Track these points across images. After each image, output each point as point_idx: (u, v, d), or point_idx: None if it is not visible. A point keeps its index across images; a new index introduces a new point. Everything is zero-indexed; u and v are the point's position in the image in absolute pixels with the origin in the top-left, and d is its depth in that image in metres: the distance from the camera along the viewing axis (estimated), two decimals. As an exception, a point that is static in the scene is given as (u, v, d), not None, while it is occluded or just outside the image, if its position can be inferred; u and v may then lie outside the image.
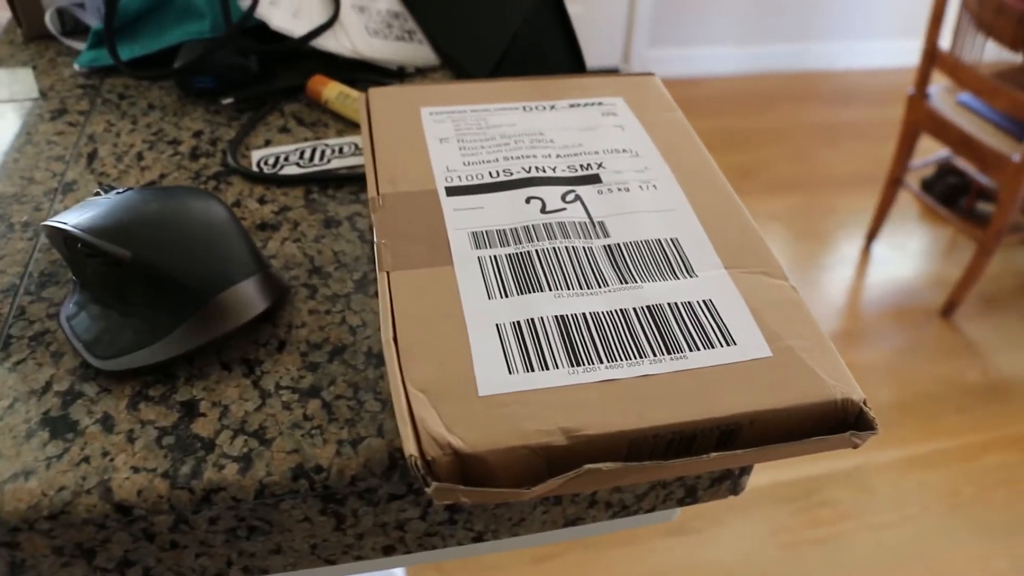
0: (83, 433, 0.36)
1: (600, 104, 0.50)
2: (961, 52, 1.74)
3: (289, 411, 0.37)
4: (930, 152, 2.48)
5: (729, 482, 0.41)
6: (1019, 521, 1.49)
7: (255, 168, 0.53)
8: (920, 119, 1.87)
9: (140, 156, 0.55)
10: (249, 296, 0.39)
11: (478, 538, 0.40)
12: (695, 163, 0.45)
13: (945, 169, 2.21)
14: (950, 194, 2.20)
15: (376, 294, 0.44)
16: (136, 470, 0.35)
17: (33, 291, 0.43)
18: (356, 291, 0.44)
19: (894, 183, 2.01)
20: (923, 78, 1.84)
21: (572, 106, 0.49)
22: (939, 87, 1.90)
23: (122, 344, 0.38)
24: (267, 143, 0.57)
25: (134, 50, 0.64)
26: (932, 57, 1.81)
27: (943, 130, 1.81)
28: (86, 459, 0.35)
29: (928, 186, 2.25)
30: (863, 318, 1.92)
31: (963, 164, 2.17)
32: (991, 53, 1.68)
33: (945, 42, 1.86)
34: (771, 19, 2.91)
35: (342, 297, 0.43)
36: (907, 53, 3.10)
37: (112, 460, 0.35)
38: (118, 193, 0.42)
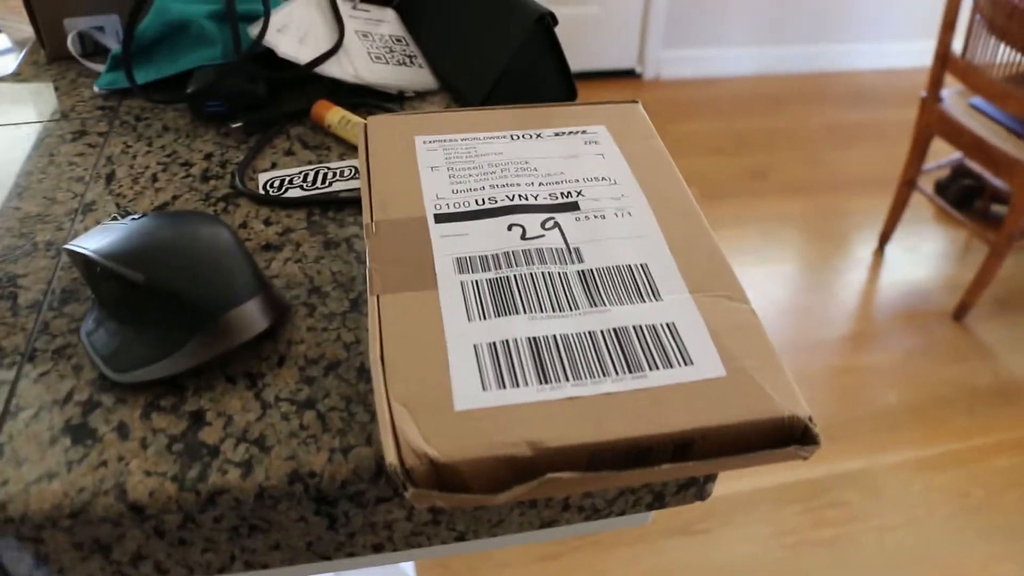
0: (101, 440, 0.40)
1: (584, 133, 0.53)
2: (973, 56, 1.75)
3: (287, 421, 0.41)
4: (945, 154, 2.48)
5: (695, 488, 0.44)
6: (1025, 524, 1.50)
7: (261, 191, 0.57)
8: (932, 123, 1.88)
9: (155, 178, 0.59)
10: (252, 315, 0.43)
11: (460, 537, 0.43)
12: (668, 190, 0.48)
13: (959, 171, 2.21)
14: (964, 196, 2.20)
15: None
16: (148, 474, 0.38)
17: (56, 307, 0.47)
18: (351, 310, 0.48)
19: (907, 185, 2.02)
20: (935, 82, 1.85)
21: (557, 135, 0.53)
22: (952, 91, 1.90)
23: (136, 358, 0.42)
24: (273, 165, 0.60)
25: (149, 74, 0.68)
26: (944, 61, 1.81)
27: (956, 134, 1.82)
28: (104, 463, 0.39)
29: (942, 188, 2.25)
30: (875, 320, 1.93)
31: (977, 166, 2.17)
32: (1003, 56, 1.68)
33: (958, 45, 1.87)
34: (785, 20, 2.92)
35: (338, 315, 0.47)
36: (920, 54, 3.10)
37: (127, 464, 0.39)
38: (133, 219, 0.46)
